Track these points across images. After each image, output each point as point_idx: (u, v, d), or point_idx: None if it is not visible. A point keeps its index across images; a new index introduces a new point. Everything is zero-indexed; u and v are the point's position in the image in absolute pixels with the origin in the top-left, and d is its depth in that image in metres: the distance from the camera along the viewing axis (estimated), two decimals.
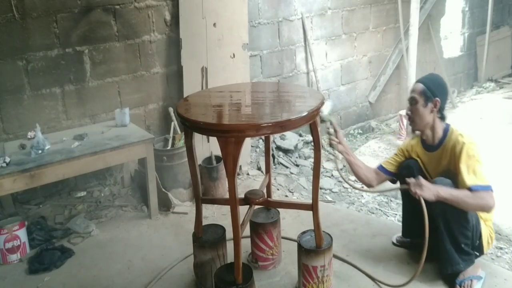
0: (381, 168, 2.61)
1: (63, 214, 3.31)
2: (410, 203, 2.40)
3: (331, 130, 2.53)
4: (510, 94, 6.13)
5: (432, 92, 2.33)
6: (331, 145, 2.56)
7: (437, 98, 2.31)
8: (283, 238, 2.78)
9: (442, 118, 2.37)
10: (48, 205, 3.39)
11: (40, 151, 2.89)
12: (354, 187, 3.14)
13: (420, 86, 2.36)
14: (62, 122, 3.42)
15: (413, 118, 2.38)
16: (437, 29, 6.14)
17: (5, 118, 3.20)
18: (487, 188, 2.15)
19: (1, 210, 3.14)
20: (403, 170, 2.53)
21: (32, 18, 3.16)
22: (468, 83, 6.88)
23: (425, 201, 2.19)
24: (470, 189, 2.14)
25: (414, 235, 2.59)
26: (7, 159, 2.75)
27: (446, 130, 2.37)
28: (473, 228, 2.26)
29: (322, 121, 2.43)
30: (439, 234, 2.29)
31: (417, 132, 2.48)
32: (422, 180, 2.23)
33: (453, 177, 2.27)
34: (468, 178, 2.17)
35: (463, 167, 2.20)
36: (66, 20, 3.30)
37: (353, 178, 4.20)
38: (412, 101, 2.37)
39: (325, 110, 2.39)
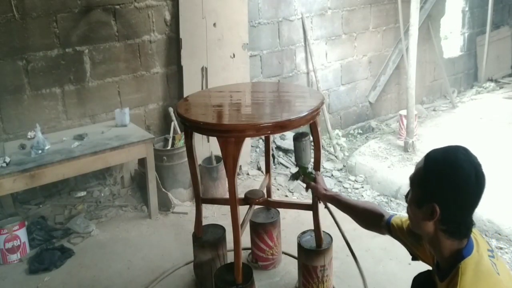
0: (390, 223, 1.70)
1: (63, 214, 3.31)
2: None
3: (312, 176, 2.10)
4: (510, 94, 6.12)
5: (431, 187, 1.30)
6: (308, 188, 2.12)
7: (435, 205, 1.28)
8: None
9: (455, 234, 1.30)
10: (48, 205, 3.39)
11: (40, 151, 2.89)
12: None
13: (419, 168, 1.35)
14: (62, 122, 3.42)
15: (408, 215, 1.44)
16: (437, 29, 6.13)
17: (5, 118, 3.20)
18: None
19: (1, 210, 3.14)
20: None
21: (32, 18, 3.16)
22: (468, 83, 6.87)
23: None
24: None
25: None
26: (7, 159, 2.76)
27: (456, 259, 1.28)
28: None
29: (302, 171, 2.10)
30: None
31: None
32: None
33: None
34: None
35: None
36: (66, 20, 3.29)
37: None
38: (408, 191, 1.41)
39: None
